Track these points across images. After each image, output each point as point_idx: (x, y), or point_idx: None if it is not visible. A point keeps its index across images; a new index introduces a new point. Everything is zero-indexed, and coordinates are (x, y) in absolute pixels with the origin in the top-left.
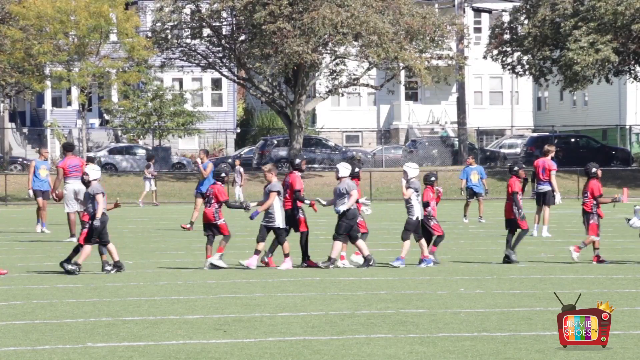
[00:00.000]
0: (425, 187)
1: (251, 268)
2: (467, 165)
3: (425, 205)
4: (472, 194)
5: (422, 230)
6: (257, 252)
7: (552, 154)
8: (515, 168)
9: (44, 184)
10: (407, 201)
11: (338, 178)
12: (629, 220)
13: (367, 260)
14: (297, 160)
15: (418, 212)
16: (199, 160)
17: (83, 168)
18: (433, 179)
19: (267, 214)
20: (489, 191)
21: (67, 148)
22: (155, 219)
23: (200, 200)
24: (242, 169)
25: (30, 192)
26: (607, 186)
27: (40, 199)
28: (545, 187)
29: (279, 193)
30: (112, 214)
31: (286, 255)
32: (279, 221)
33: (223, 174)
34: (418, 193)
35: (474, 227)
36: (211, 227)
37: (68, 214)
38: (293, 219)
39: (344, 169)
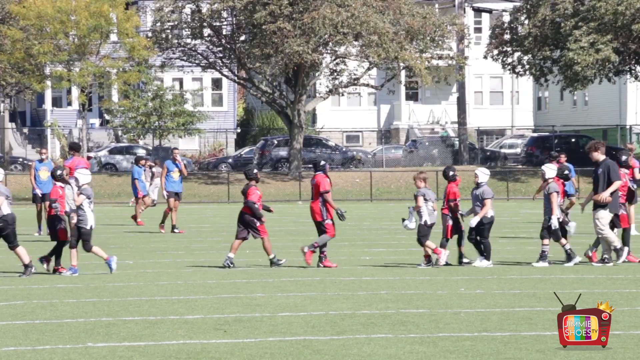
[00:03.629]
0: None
1: None
2: (560, 163)
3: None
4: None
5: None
6: None
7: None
8: (452, 173)
9: (45, 186)
10: (80, 207)
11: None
12: (404, 220)
13: (26, 267)
14: (322, 162)
15: (92, 221)
16: (179, 157)
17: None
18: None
19: None
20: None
21: (74, 148)
22: (155, 219)
23: (172, 200)
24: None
25: (38, 191)
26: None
27: (39, 205)
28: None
29: (7, 197)
30: (114, 214)
31: None
32: None
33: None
34: (90, 200)
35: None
36: None
37: None
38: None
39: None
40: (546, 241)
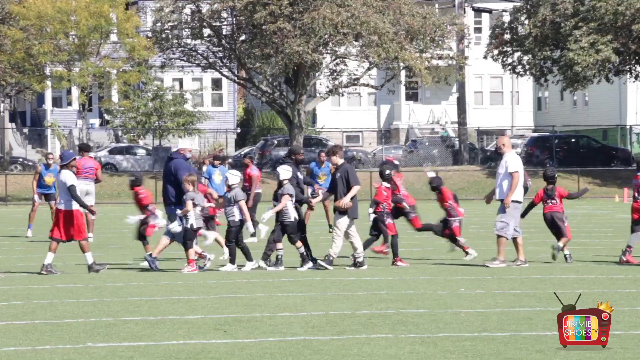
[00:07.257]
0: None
1: None
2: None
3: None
4: None
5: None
6: None
7: None
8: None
9: (48, 189)
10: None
11: None
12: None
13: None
14: (387, 172)
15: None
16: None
17: (97, 171)
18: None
19: None
20: None
21: (84, 149)
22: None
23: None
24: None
25: (36, 196)
26: (608, 186)
27: (37, 204)
28: None
29: None
30: (114, 214)
31: None
32: None
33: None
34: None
35: (474, 227)
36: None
37: None
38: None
39: None
40: (298, 244)
